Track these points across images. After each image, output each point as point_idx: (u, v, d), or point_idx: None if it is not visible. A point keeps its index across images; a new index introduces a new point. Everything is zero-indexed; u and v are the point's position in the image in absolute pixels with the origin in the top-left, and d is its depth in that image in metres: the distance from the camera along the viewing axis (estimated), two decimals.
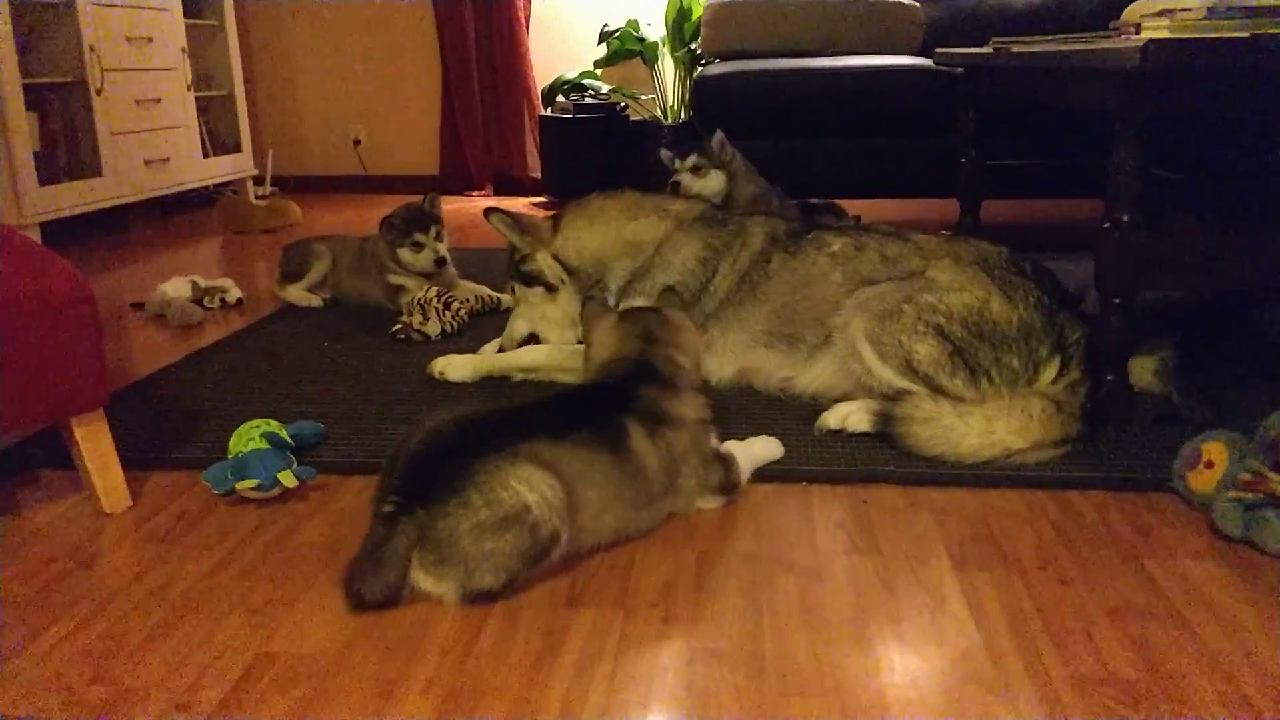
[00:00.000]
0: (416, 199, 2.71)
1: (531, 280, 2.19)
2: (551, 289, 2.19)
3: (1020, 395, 1.73)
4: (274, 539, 1.47)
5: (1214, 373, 1.95)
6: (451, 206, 4.78)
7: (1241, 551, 1.38)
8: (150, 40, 4.15)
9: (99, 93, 3.82)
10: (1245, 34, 1.57)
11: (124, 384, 2.15)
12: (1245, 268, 1.84)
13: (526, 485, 1.25)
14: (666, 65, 4.80)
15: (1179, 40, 1.58)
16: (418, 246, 2.65)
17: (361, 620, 1.25)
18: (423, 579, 1.26)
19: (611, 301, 2.13)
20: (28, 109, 3.48)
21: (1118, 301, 1.80)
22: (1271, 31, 1.59)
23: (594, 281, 2.16)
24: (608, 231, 2.15)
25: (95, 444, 1.56)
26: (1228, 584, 1.30)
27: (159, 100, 4.21)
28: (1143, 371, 1.97)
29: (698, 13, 4.40)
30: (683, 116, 4.73)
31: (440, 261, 2.67)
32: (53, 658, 1.19)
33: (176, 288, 2.82)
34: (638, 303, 2.08)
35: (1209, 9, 1.63)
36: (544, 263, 2.18)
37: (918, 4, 3.92)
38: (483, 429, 1.34)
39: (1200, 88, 1.64)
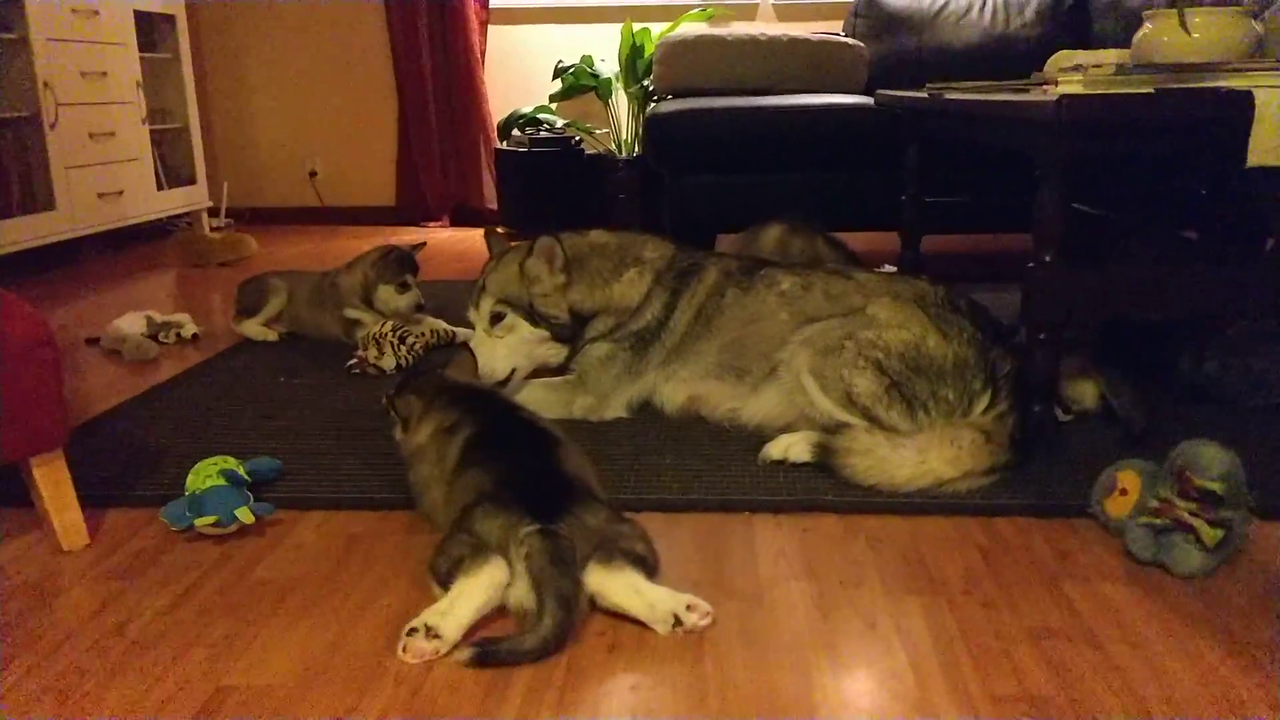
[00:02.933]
0: (393, 240, 2.77)
1: (539, 321, 2.15)
2: (560, 338, 2.17)
3: (951, 427, 1.82)
4: (232, 575, 1.51)
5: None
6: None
7: (1152, 574, 1.47)
8: (105, 74, 4.17)
9: (53, 127, 3.83)
10: (1149, 89, 1.69)
11: (80, 420, 2.17)
12: (1168, 302, 1.95)
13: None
14: (620, 100, 4.91)
15: (1090, 96, 1.69)
16: (404, 288, 2.72)
17: (319, 653, 1.30)
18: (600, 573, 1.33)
19: (580, 343, 2.19)
20: None
21: (1043, 336, 1.90)
22: (1173, 87, 1.71)
23: (578, 332, 2.18)
24: (602, 293, 2.16)
25: (54, 483, 1.59)
26: (1138, 604, 1.39)
27: (113, 134, 4.22)
28: (1080, 386, 2.09)
29: (650, 50, 4.51)
30: (636, 150, 4.83)
31: (420, 306, 2.74)
32: (13, 694, 1.22)
33: (131, 323, 2.84)
34: (602, 346, 2.17)
35: (1118, 66, 1.75)
36: (563, 310, 2.15)
37: (862, 44, 4.05)
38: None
39: (1113, 137, 1.75)
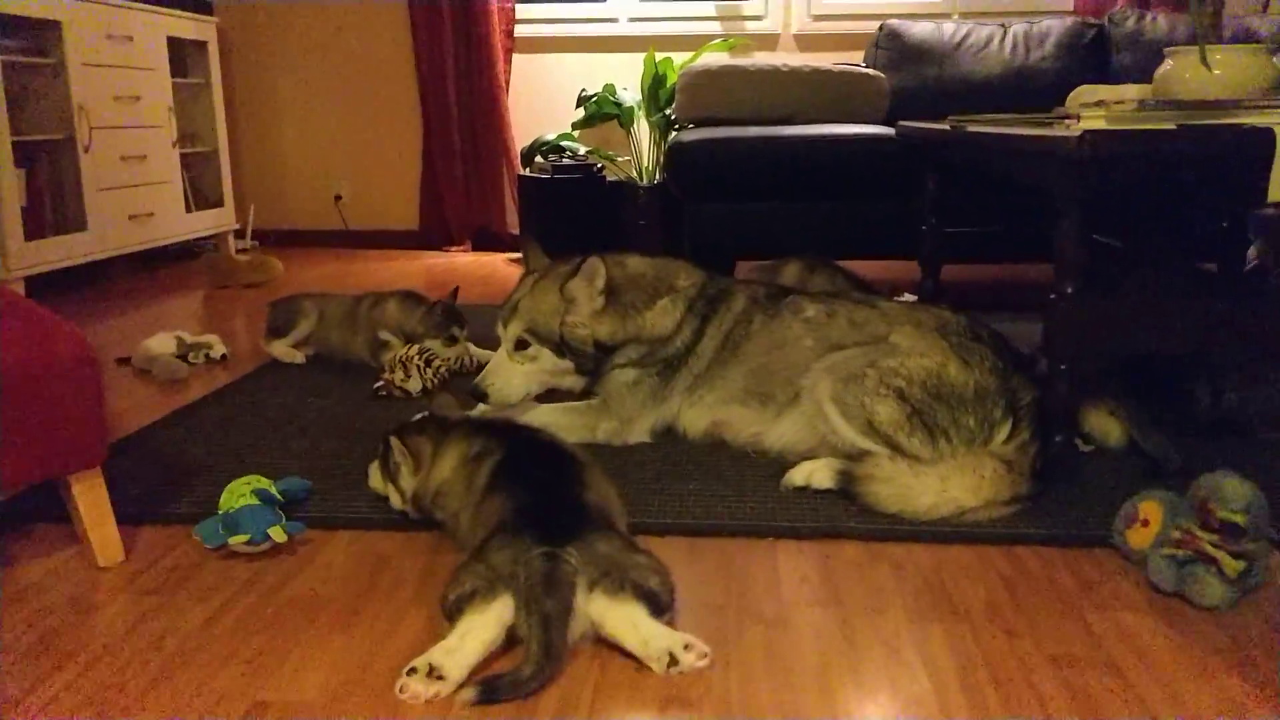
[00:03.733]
0: (419, 261, 2.80)
1: (565, 353, 2.15)
2: (585, 370, 2.18)
3: (973, 455, 1.84)
4: (266, 592, 1.54)
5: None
6: (431, 261, 4.88)
7: (1173, 604, 1.48)
8: (138, 99, 4.25)
9: (86, 150, 3.91)
10: (1172, 125, 1.71)
11: (114, 439, 2.21)
12: (1187, 333, 1.96)
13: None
14: (642, 129, 4.96)
15: (1112, 131, 1.72)
16: (452, 341, 2.76)
17: (352, 670, 1.32)
18: (603, 601, 1.32)
19: (605, 368, 2.20)
20: (16, 165, 3.57)
21: (1065, 367, 1.92)
22: (1195, 123, 1.73)
23: (597, 363, 2.19)
24: (634, 323, 2.16)
25: (92, 500, 1.63)
26: (1160, 634, 1.40)
27: (144, 157, 4.30)
28: (1104, 420, 2.10)
29: (673, 79, 4.57)
30: (657, 178, 4.88)
31: (470, 360, 2.78)
32: (54, 706, 1.25)
33: (161, 343, 2.89)
34: (628, 372, 2.18)
35: (1140, 102, 1.77)
36: (590, 343, 2.14)
37: (883, 75, 4.10)
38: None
39: (1133, 172, 1.77)
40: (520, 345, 2.16)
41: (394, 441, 1.70)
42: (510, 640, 1.32)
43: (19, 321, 1.57)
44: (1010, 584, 1.56)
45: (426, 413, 1.89)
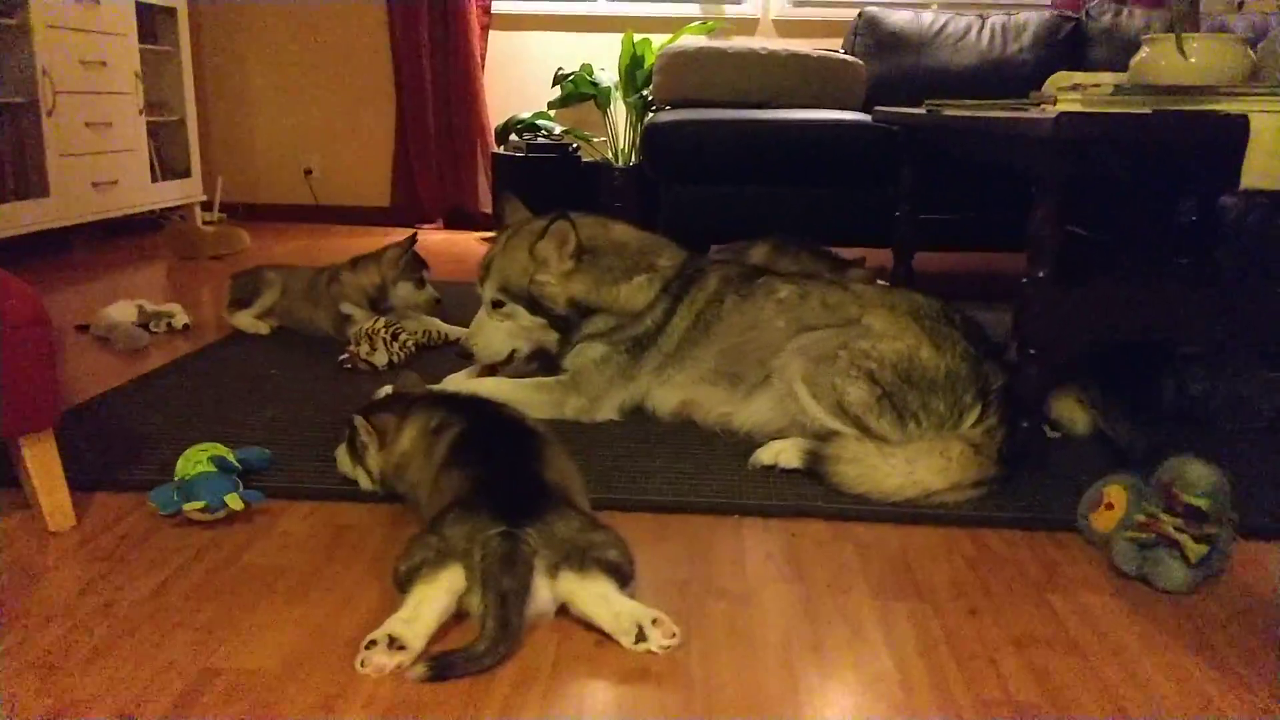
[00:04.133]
0: (392, 241, 2.82)
1: (538, 310, 2.16)
2: (557, 327, 2.18)
3: (941, 439, 1.83)
4: (220, 560, 1.50)
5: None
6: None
7: (1136, 587, 1.49)
8: (104, 64, 4.16)
9: (50, 114, 3.82)
10: (1147, 110, 1.71)
11: (70, 406, 2.16)
12: (1157, 321, 1.97)
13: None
14: (619, 110, 4.93)
15: (1088, 114, 1.71)
16: (422, 284, 2.79)
17: (305, 640, 1.29)
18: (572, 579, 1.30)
19: (574, 339, 2.19)
20: None
21: (1034, 352, 1.91)
22: (1170, 108, 1.73)
23: (576, 323, 2.19)
24: (609, 291, 2.16)
25: (43, 463, 1.58)
26: (1121, 616, 1.40)
27: (110, 124, 4.22)
28: (1071, 408, 2.10)
29: (651, 61, 4.53)
30: (634, 159, 4.85)
31: (438, 301, 2.82)
32: None
33: (122, 311, 2.83)
34: (597, 347, 2.16)
35: (1116, 86, 1.77)
36: (562, 301, 2.15)
37: (861, 62, 4.09)
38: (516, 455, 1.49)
39: (1108, 156, 1.77)
40: (496, 304, 2.19)
41: (358, 420, 1.67)
42: (460, 617, 1.30)
43: None
44: (974, 565, 1.55)
45: (390, 390, 1.86)
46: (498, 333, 2.21)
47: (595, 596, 1.31)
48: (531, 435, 1.59)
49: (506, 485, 1.40)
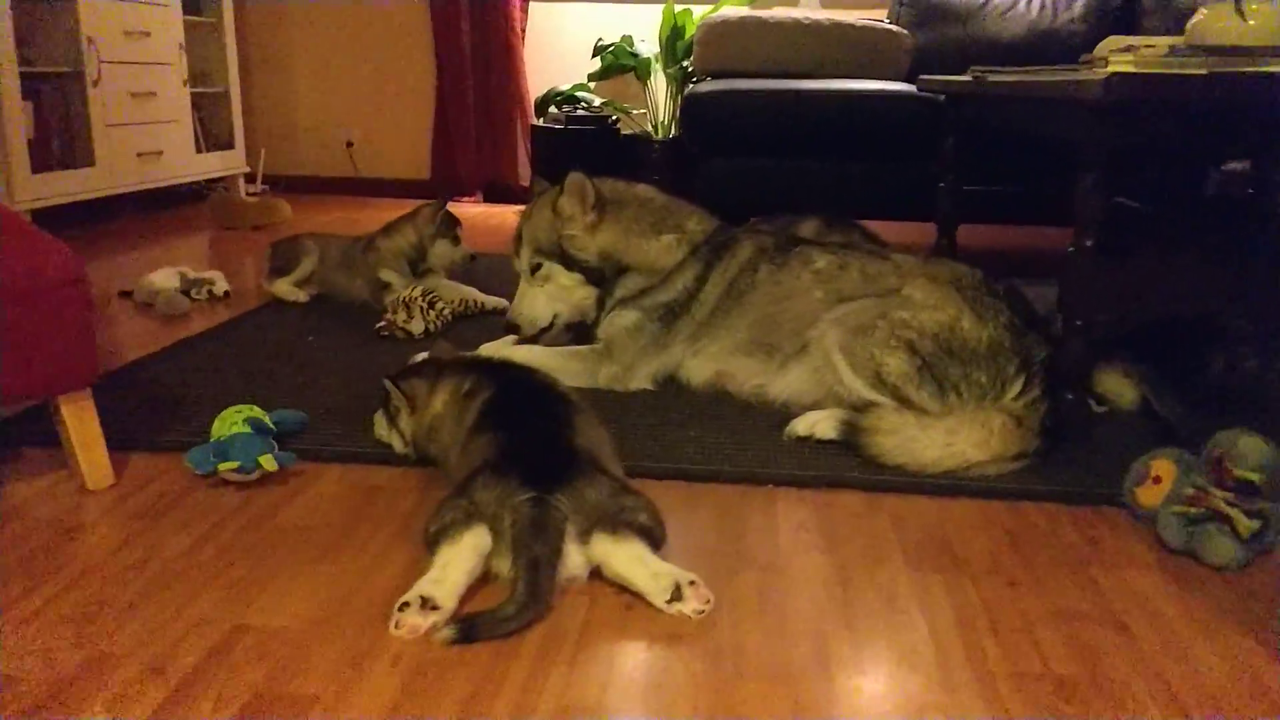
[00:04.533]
0: (423, 202, 2.85)
1: (572, 264, 2.17)
2: (594, 281, 2.19)
3: (982, 410, 1.79)
4: (253, 519, 1.51)
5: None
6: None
7: (1183, 563, 1.44)
8: (148, 35, 4.19)
9: (95, 84, 3.86)
10: (1203, 71, 1.65)
11: (110, 369, 2.18)
12: (1204, 295, 1.91)
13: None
14: (659, 81, 4.88)
15: (1141, 75, 1.65)
16: (457, 241, 2.83)
17: (334, 600, 1.29)
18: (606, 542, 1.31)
19: (608, 306, 2.18)
20: (24, 98, 3.53)
21: (1079, 324, 1.87)
22: (1227, 70, 1.66)
23: (607, 284, 2.20)
24: (636, 246, 2.17)
25: (81, 422, 1.60)
26: (1168, 593, 1.36)
27: (154, 94, 4.25)
28: (1117, 382, 2.05)
29: (691, 32, 4.48)
30: (673, 132, 4.81)
31: (473, 257, 2.87)
32: (33, 623, 1.23)
33: (165, 278, 2.86)
34: (630, 315, 2.15)
35: (1171, 47, 1.71)
36: (591, 251, 2.16)
37: (905, 33, 4.00)
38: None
39: (1160, 121, 1.71)
40: (535, 268, 2.21)
41: (390, 386, 1.67)
42: (489, 579, 1.30)
43: (9, 238, 1.53)
44: (1014, 539, 1.52)
45: (425, 356, 1.86)
46: (540, 298, 2.22)
47: (630, 558, 1.30)
48: (563, 401, 1.58)
49: (537, 451, 1.39)
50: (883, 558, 1.45)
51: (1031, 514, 1.60)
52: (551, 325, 2.24)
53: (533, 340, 2.24)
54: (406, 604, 1.22)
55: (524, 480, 1.30)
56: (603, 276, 2.19)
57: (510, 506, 1.28)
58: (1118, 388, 2.06)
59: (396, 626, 1.21)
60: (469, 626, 1.20)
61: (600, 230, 2.17)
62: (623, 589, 1.32)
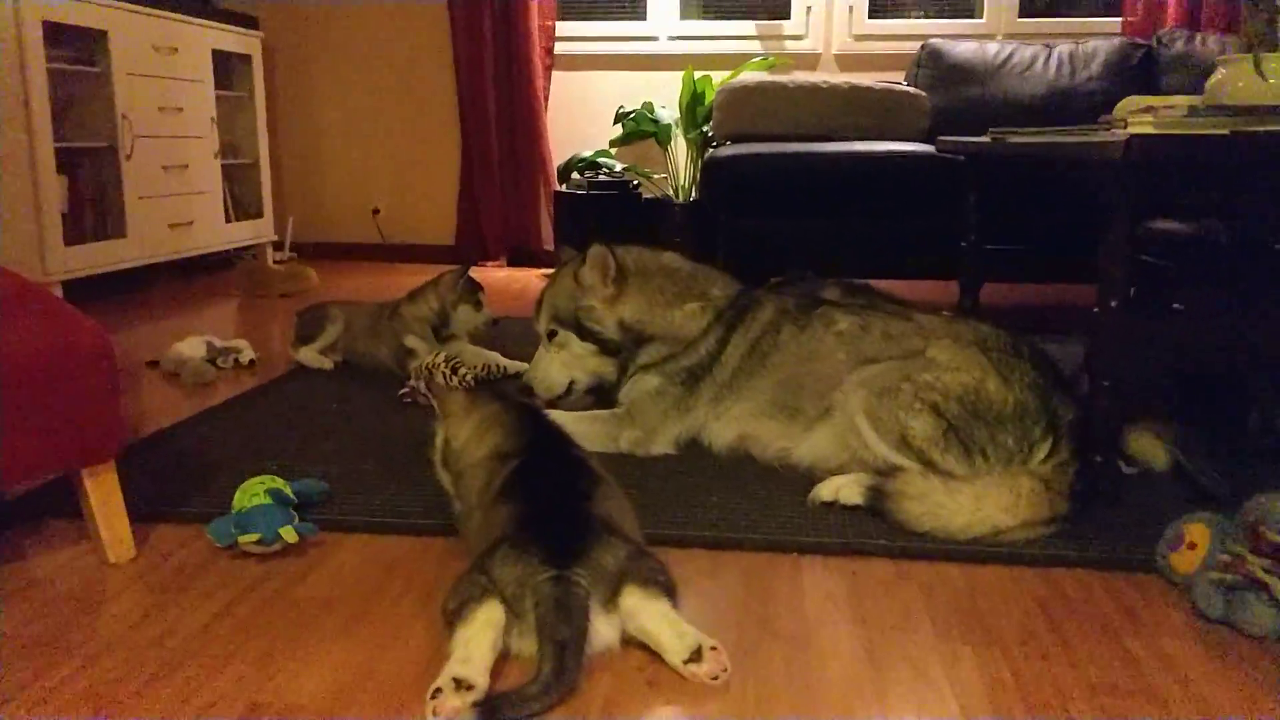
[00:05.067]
0: (446, 269, 2.89)
1: (586, 335, 2.20)
2: (609, 352, 2.21)
3: (1010, 474, 1.76)
4: (273, 592, 1.50)
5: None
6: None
7: (1220, 632, 1.40)
8: (181, 110, 4.30)
9: (129, 158, 3.95)
10: (1224, 131, 1.64)
11: (135, 438, 2.20)
12: (1235, 351, 1.88)
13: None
14: (679, 146, 4.94)
15: (1161, 136, 1.65)
16: (479, 305, 2.85)
17: (353, 675, 1.28)
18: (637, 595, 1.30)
19: (629, 371, 2.19)
20: (59, 171, 3.61)
21: (1108, 384, 1.84)
22: (1248, 130, 1.66)
23: (629, 352, 2.21)
24: (660, 316, 2.19)
25: (104, 495, 1.60)
26: (1205, 663, 1.32)
27: (186, 166, 4.35)
28: (1150, 444, 2.01)
29: (711, 97, 4.54)
30: (693, 195, 4.85)
31: (496, 322, 2.90)
32: (53, 699, 1.22)
33: (192, 347, 2.89)
34: (652, 379, 2.15)
35: (1190, 108, 1.71)
36: (609, 325, 2.19)
37: (924, 94, 4.04)
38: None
39: (1182, 179, 1.70)
40: (551, 335, 2.24)
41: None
42: (505, 657, 1.28)
43: (37, 312, 1.55)
44: (1046, 607, 1.48)
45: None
46: (554, 365, 2.25)
47: (659, 614, 1.29)
48: (587, 471, 1.56)
49: (553, 524, 1.37)
50: (912, 628, 1.42)
51: (1063, 581, 1.57)
52: (570, 391, 2.26)
53: (551, 405, 2.23)
54: (439, 690, 1.18)
55: (543, 559, 1.28)
56: (618, 348, 2.20)
57: (531, 587, 1.25)
58: (1149, 449, 2.03)
59: (435, 714, 1.16)
60: (492, 709, 1.17)
61: (621, 302, 2.19)
62: (645, 664, 1.29)
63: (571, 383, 2.26)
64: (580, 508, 1.42)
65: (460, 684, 1.18)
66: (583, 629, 1.24)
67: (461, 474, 1.62)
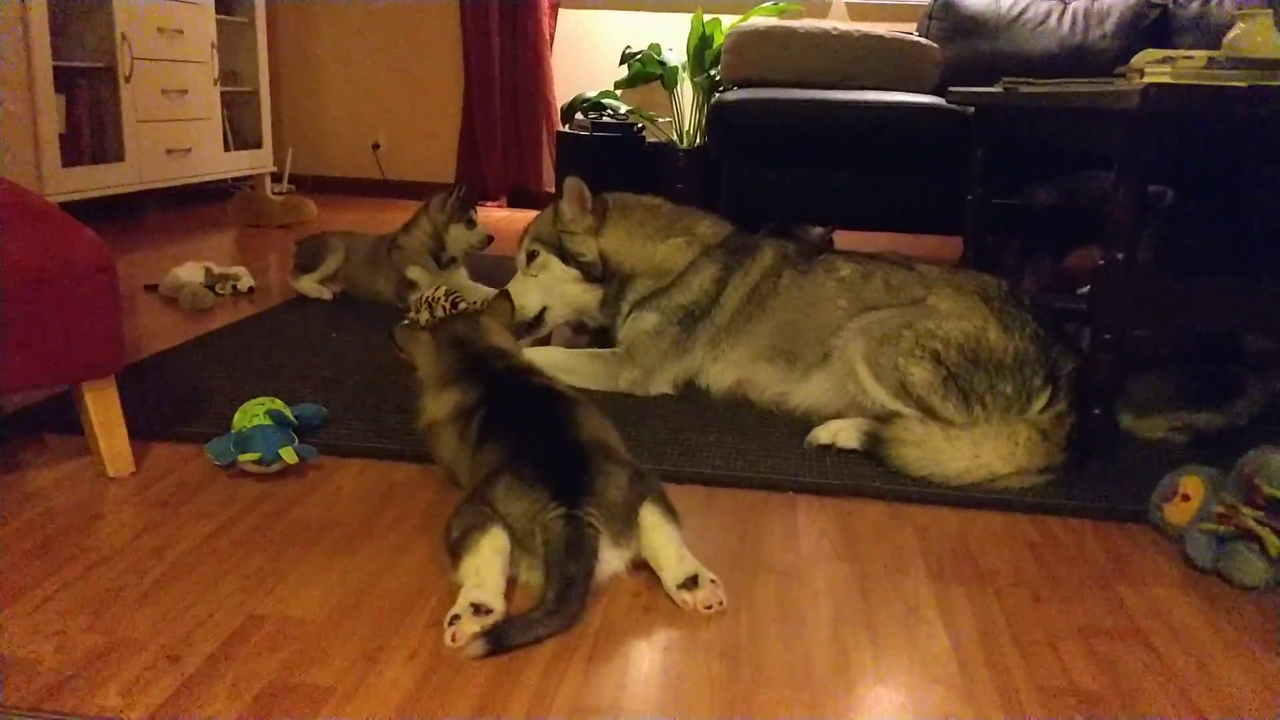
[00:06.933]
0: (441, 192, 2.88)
1: (569, 259, 2.20)
2: (591, 279, 2.21)
3: (1008, 422, 1.77)
4: (272, 511, 1.51)
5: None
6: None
7: (1211, 582, 1.42)
8: (181, 33, 4.23)
9: (127, 80, 3.89)
10: (1243, 84, 1.62)
11: (134, 361, 2.19)
12: (1237, 311, 1.88)
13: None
14: (685, 90, 4.88)
15: (1179, 86, 1.63)
16: (472, 224, 2.84)
17: (351, 592, 1.29)
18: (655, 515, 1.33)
19: (625, 310, 2.18)
20: (56, 91, 3.55)
21: (1109, 337, 1.84)
22: (1269, 84, 1.64)
23: (615, 289, 2.20)
24: (643, 249, 2.20)
25: (104, 409, 1.60)
26: (1195, 611, 1.34)
27: (185, 92, 4.28)
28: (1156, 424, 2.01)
29: (719, 40, 4.47)
30: (698, 141, 4.80)
31: (490, 239, 2.88)
32: (49, 606, 1.23)
33: (190, 272, 2.87)
34: (650, 317, 2.14)
35: (1210, 59, 1.68)
36: (591, 251, 2.19)
37: (935, 46, 3.99)
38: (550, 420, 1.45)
39: (1198, 133, 1.69)
40: (530, 257, 2.24)
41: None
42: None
43: (39, 224, 1.54)
44: (1039, 552, 1.49)
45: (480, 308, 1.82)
46: (530, 287, 2.23)
47: (668, 538, 1.32)
48: (560, 395, 1.54)
49: (551, 453, 1.36)
50: (905, 568, 1.43)
51: (1056, 529, 1.58)
52: (540, 321, 2.24)
53: (547, 341, 2.24)
54: (457, 616, 1.19)
55: (552, 494, 1.27)
56: (602, 276, 2.20)
57: (541, 524, 1.26)
58: (1150, 425, 2.00)
59: (454, 640, 1.17)
60: (498, 636, 1.17)
61: (603, 235, 2.20)
62: (641, 590, 1.31)
63: (544, 309, 2.24)
64: (570, 435, 1.41)
65: (479, 609, 1.19)
66: (591, 567, 1.24)
67: (432, 434, 1.60)
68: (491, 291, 2.78)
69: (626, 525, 1.31)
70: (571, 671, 1.14)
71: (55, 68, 3.51)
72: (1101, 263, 1.82)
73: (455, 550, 1.28)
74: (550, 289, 2.23)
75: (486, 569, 1.24)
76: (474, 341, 1.68)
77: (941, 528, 1.57)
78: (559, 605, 1.20)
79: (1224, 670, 1.20)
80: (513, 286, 2.21)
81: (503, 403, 1.53)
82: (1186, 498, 1.50)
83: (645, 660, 1.17)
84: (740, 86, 3.78)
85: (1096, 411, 1.83)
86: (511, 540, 1.27)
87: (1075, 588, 1.39)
